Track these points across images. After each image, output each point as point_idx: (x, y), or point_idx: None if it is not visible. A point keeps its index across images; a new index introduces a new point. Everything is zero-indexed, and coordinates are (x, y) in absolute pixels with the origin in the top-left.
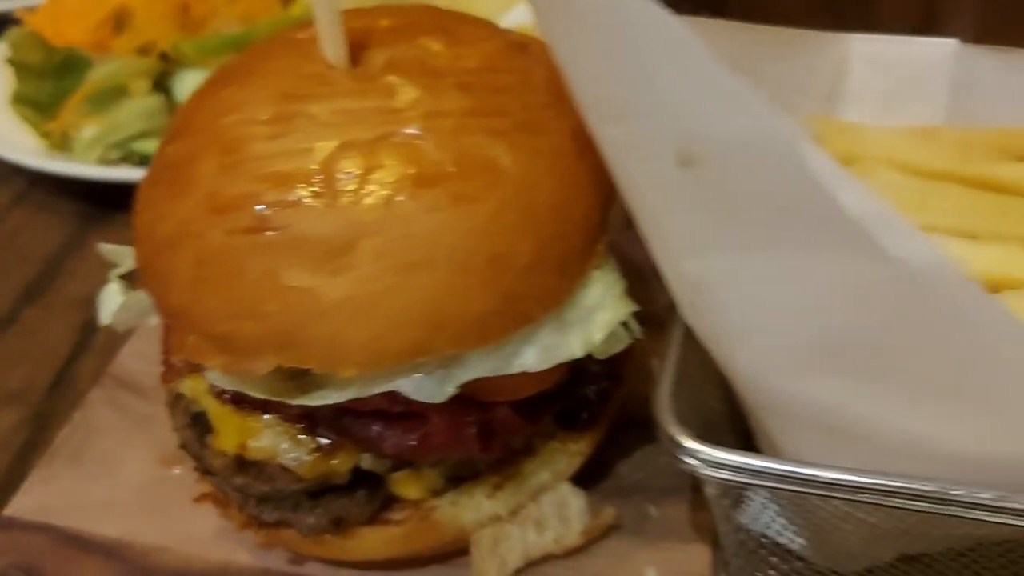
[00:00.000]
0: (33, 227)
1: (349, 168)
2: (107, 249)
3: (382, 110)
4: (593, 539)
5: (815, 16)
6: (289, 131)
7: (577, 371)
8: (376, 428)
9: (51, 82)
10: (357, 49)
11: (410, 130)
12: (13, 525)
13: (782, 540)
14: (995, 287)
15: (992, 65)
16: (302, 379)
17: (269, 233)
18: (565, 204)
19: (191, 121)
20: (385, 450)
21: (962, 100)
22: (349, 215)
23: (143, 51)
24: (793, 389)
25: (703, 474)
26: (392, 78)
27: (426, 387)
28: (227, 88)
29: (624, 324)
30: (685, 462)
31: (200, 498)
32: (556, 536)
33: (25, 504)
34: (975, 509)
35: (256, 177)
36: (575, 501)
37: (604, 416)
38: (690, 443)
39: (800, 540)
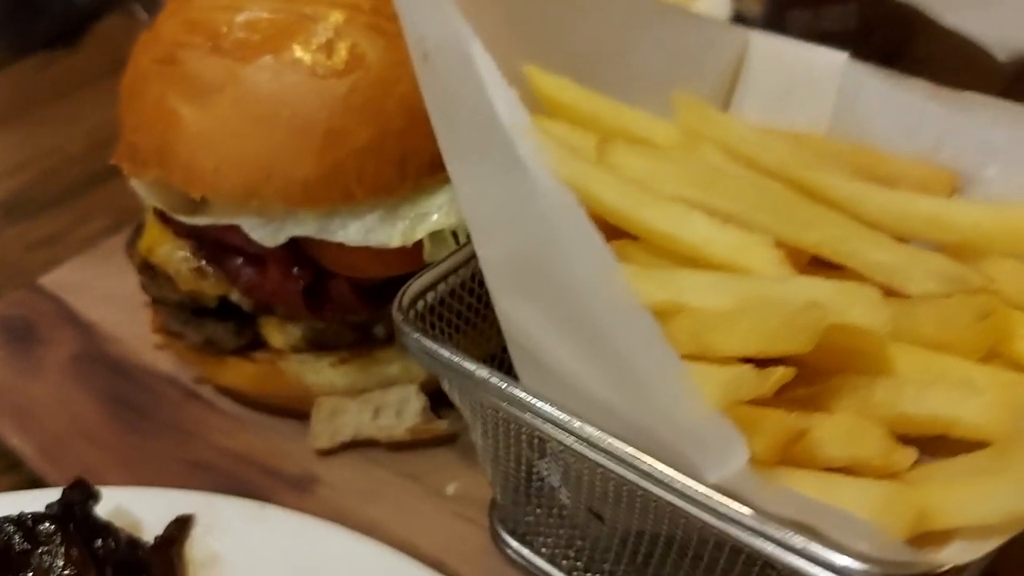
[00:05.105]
0: None
1: (244, 30)
2: None
3: None
4: (419, 441)
5: None
6: None
7: None
8: (236, 262)
9: None
10: None
11: (307, 11)
12: (39, 291)
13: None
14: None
15: (876, 85)
16: (192, 204)
17: (171, 66)
18: (420, 109)
19: None
20: (240, 283)
21: (845, 111)
22: (227, 64)
23: None
24: (504, 307)
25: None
26: None
27: (263, 231)
28: None
29: (454, 234)
30: (408, 345)
31: (148, 304)
32: (387, 425)
33: (56, 279)
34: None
35: (182, 21)
36: (415, 403)
37: None
38: (408, 330)
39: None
